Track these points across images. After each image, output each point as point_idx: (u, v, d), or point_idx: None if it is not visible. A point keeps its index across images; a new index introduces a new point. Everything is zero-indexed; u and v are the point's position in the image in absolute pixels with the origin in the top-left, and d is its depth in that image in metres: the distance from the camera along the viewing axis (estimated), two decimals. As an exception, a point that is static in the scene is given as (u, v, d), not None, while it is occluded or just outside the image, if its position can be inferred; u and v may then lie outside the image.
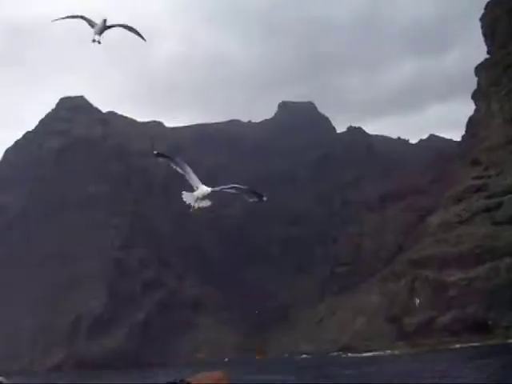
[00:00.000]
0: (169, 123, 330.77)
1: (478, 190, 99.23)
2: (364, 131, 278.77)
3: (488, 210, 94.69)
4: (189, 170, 12.55)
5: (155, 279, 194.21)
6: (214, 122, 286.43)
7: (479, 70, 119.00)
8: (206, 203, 13.05)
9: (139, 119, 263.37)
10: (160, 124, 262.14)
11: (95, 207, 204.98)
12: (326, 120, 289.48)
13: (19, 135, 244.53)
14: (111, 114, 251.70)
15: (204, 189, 12.23)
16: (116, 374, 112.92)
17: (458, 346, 77.66)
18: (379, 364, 64.59)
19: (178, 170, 12.12)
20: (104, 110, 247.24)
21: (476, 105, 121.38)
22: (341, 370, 60.53)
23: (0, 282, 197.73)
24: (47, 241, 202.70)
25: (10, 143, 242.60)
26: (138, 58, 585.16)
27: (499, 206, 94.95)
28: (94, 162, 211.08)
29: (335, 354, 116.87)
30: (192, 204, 12.27)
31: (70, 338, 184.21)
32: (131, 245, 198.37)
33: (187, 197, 12.17)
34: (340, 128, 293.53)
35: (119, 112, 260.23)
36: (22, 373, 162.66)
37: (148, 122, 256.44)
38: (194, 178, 12.57)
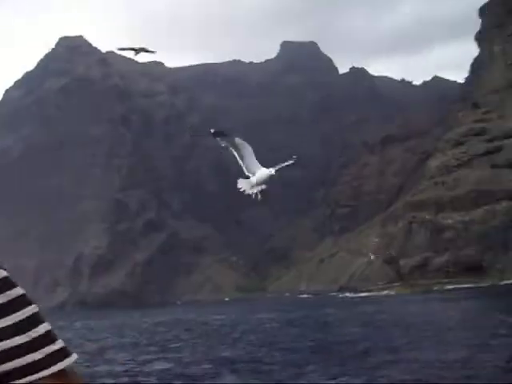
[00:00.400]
0: (169, 64, 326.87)
1: (478, 133, 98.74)
2: (367, 72, 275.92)
3: (487, 153, 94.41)
4: (250, 151, 11.48)
5: (155, 220, 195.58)
6: (215, 62, 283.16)
7: (483, 11, 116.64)
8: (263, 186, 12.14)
9: (140, 59, 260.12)
10: (160, 64, 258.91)
11: (96, 148, 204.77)
12: (329, 60, 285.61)
13: (19, 75, 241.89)
14: (111, 53, 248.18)
15: (266, 172, 11.18)
16: (118, 313, 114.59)
17: (452, 287, 78.68)
18: (370, 304, 65.71)
19: (235, 152, 10.99)
20: (104, 49, 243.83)
21: (479, 47, 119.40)
22: (332, 310, 61.61)
23: (2, 223, 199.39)
24: (48, 181, 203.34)
25: (10, 83, 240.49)
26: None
27: (499, 149, 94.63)
28: (94, 102, 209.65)
29: (334, 294, 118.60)
30: (249, 191, 11.29)
31: (73, 277, 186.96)
32: (131, 186, 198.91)
33: (244, 184, 11.13)
34: (342, 69, 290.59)
35: (119, 52, 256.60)
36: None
37: (148, 63, 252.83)
38: (253, 162, 11.49)
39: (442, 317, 38.89)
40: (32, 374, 1.01)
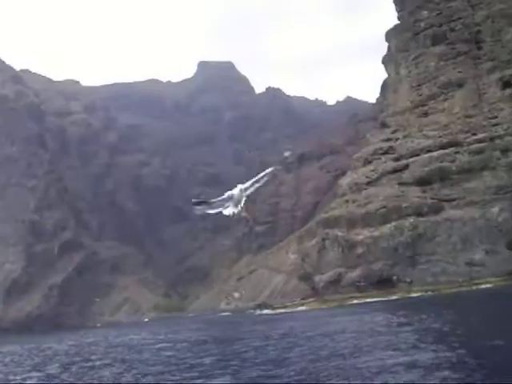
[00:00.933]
0: (85, 82, 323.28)
1: (386, 152, 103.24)
2: (283, 92, 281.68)
3: (395, 171, 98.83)
4: (228, 196, 12.24)
5: (72, 241, 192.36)
6: (132, 81, 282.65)
7: (389, 35, 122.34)
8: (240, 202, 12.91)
9: (55, 78, 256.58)
10: (76, 83, 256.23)
11: (9, 168, 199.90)
12: (245, 80, 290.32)
13: None
14: (25, 71, 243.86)
15: (237, 189, 12.06)
16: (35, 337, 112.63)
17: (364, 300, 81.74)
18: (280, 319, 67.96)
19: (220, 209, 11.72)
20: (18, 67, 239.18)
21: (386, 69, 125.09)
22: (245, 326, 63.36)
23: None
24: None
25: None
26: (52, 13, 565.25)
27: (405, 167, 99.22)
28: (7, 121, 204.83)
29: (252, 311, 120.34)
30: (235, 211, 12.17)
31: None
32: (47, 206, 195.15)
33: (227, 209, 11.80)
34: (259, 89, 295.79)
35: (34, 70, 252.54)
36: None
37: (64, 81, 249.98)
38: (234, 198, 12.32)
39: (341, 328, 41.19)
40: None
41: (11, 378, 30.15)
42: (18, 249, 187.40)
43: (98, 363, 33.32)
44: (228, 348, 34.98)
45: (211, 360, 29.31)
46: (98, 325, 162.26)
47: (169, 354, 35.81)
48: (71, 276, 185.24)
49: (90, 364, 33.92)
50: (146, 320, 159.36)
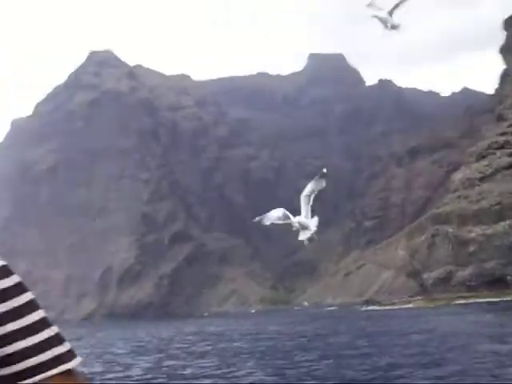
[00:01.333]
0: (196, 77, 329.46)
1: (502, 146, 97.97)
2: (394, 84, 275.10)
3: (510, 166, 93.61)
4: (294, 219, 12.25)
5: (182, 232, 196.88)
6: (242, 75, 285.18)
7: (508, 23, 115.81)
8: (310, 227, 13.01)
9: (167, 72, 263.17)
10: (187, 77, 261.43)
11: (124, 161, 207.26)
12: (356, 72, 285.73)
13: (49, 89, 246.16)
14: (139, 67, 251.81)
15: (310, 221, 12.00)
16: (145, 324, 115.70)
17: (474, 300, 78.01)
18: (389, 317, 65.61)
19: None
20: (131, 63, 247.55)
21: (504, 59, 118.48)
22: (353, 321, 61.78)
23: (31, 234, 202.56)
24: (76, 195, 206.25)
25: (41, 97, 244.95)
26: (165, 12, 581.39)
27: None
28: (122, 115, 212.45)
29: (358, 306, 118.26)
30: (304, 237, 12.19)
31: (101, 288, 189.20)
32: (159, 199, 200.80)
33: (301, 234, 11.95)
34: (369, 81, 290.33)
35: (146, 65, 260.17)
36: (54, 322, 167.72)
37: (175, 76, 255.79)
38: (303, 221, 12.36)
39: (460, 330, 38.85)
40: (41, 373, 1.06)
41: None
42: (131, 239, 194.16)
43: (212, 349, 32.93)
44: (324, 343, 33.69)
45: (312, 355, 28.16)
46: (206, 314, 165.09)
47: (269, 344, 35.05)
48: (181, 266, 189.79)
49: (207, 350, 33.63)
50: (253, 311, 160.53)
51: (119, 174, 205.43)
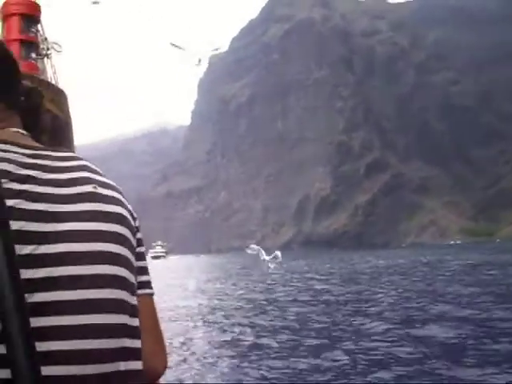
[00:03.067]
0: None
1: None
2: None
3: None
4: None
5: (379, 162, 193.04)
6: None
7: None
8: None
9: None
10: (381, 1, 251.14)
11: (318, 91, 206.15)
12: None
13: (244, 24, 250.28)
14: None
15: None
16: (340, 253, 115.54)
17: None
18: None
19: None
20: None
21: None
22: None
23: (231, 165, 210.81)
24: (273, 126, 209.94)
25: (236, 33, 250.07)
26: None
27: None
28: (316, 45, 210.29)
29: None
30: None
31: (298, 217, 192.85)
32: (353, 127, 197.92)
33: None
34: None
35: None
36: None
37: (370, 0, 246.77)
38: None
39: None
40: (150, 288, 1.15)
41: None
42: (327, 169, 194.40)
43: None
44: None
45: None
46: (403, 245, 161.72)
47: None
48: (377, 196, 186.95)
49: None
50: (452, 243, 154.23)
51: (313, 104, 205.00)
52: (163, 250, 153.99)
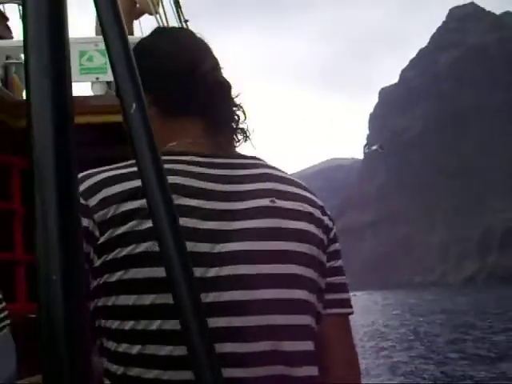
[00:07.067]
0: None
1: None
2: None
3: None
4: None
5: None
6: None
7: None
8: None
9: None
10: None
11: (495, 118, 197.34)
12: None
13: (413, 54, 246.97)
14: (507, 14, 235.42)
15: None
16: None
17: None
18: None
19: None
20: (497, 11, 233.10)
21: None
22: None
23: (406, 199, 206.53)
24: (449, 157, 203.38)
25: (406, 63, 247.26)
26: None
27: None
28: (488, 69, 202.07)
29: None
30: None
31: (482, 249, 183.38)
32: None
33: None
34: None
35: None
36: (435, 284, 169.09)
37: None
38: None
39: None
40: (348, 307, 1.08)
41: None
42: (510, 197, 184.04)
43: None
44: None
45: None
46: None
47: None
48: None
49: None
50: None
51: (490, 132, 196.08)
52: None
